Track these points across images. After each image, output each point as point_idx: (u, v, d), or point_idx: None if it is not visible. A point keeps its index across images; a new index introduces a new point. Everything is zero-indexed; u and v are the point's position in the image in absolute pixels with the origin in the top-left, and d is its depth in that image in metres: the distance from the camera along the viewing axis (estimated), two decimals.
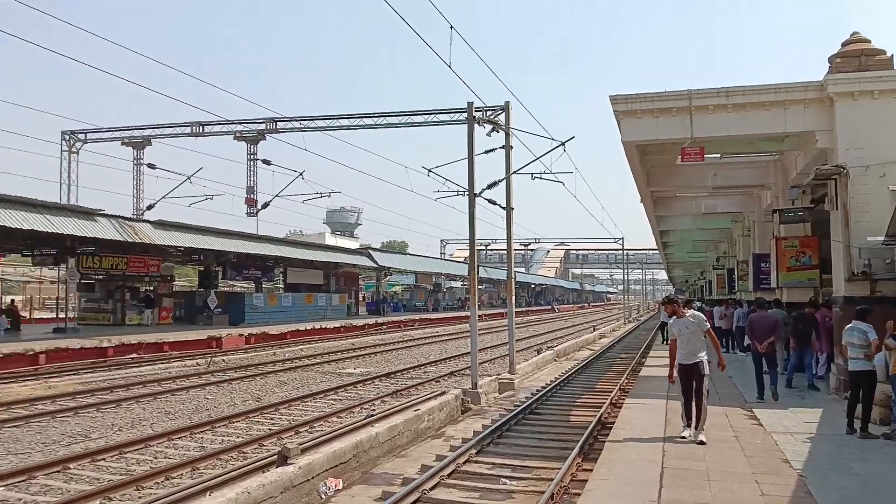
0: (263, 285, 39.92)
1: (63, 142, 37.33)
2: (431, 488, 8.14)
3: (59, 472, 8.56)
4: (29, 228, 20.47)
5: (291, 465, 8.20)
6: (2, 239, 25.01)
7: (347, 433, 10.21)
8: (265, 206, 37.50)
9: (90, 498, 7.44)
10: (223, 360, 21.79)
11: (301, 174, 35.11)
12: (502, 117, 19.97)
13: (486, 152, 18.77)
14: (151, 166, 37.26)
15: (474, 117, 16.72)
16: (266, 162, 35.77)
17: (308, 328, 31.99)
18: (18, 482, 8.04)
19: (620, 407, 11.85)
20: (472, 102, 16.61)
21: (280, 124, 35.13)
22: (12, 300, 36.72)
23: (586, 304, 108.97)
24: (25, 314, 35.34)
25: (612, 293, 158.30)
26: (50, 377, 17.15)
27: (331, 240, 73.88)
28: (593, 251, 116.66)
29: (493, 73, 17.50)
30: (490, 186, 18.29)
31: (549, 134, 19.59)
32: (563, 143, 18.89)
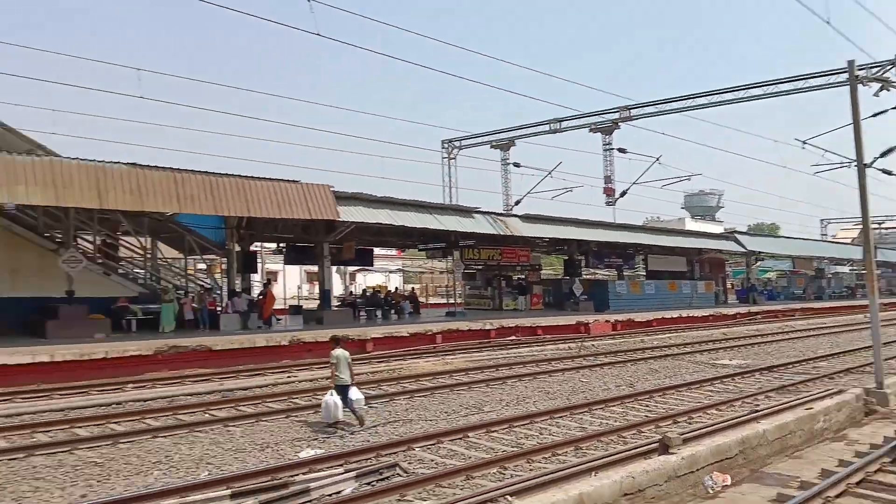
0: (624, 273, 40.02)
1: (443, 149, 42.24)
2: (837, 496, 7.27)
3: (460, 439, 9.66)
4: (422, 227, 23.56)
5: (674, 455, 8.04)
6: (402, 236, 29.31)
7: (730, 427, 9.64)
8: (623, 194, 37.59)
9: (488, 465, 8.24)
10: (592, 345, 22.41)
11: (658, 159, 34.43)
12: (893, 72, 16.96)
13: (875, 115, 16.07)
14: (516, 165, 40.19)
15: (857, 76, 14.47)
16: (622, 150, 35.85)
17: (674, 316, 31.14)
18: (430, 445, 9.28)
19: None
20: (854, 60, 14.45)
21: (634, 111, 34.87)
22: (412, 288, 42.84)
23: None
24: (422, 300, 40.90)
25: None
26: (445, 355, 19.56)
27: (691, 224, 70.84)
28: None
29: (880, 19, 14.92)
30: (884, 154, 15.64)
31: None
32: None
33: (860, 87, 14.63)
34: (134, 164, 16.36)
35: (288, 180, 19.39)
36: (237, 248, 24.10)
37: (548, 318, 26.40)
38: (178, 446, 9.21)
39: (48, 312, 17.26)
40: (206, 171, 17.61)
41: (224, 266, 25.28)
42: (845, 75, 14.89)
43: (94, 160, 15.75)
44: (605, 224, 33.01)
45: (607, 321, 27.59)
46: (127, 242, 24.86)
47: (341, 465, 8.23)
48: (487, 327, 23.42)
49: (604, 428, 10.25)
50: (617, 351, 20.80)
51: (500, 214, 28.59)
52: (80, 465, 8.27)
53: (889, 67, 18.11)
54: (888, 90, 16.06)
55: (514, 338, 23.41)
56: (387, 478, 7.89)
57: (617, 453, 8.57)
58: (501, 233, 26.58)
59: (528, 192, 39.11)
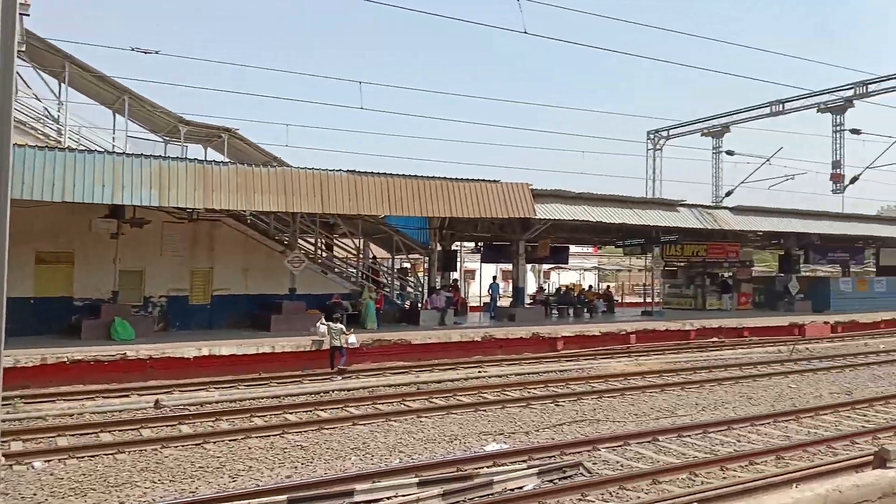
0: (851, 269, 35.99)
1: (648, 141, 40.89)
2: None
3: (649, 442, 9.41)
4: (620, 222, 23.03)
5: (892, 470, 7.23)
6: (599, 233, 28.84)
7: None
8: (854, 180, 33.92)
9: (677, 471, 7.97)
10: (806, 349, 20.52)
11: None
12: None
13: None
14: (730, 153, 37.78)
15: None
16: (855, 132, 32.37)
17: None
18: (616, 446, 9.14)
19: None
20: None
21: (872, 87, 31.27)
22: (607, 286, 41.99)
23: None
24: (618, 298, 39.90)
25: None
26: (639, 355, 18.99)
27: None
28: None
29: None
30: None
31: None
32: None
33: None
34: (352, 172, 17.73)
35: (488, 181, 19.90)
36: (439, 248, 25.25)
37: (756, 319, 24.56)
38: (375, 434, 9.96)
39: (272, 308, 19.32)
40: (413, 175, 18.65)
41: (426, 265, 26.56)
42: None
43: (317, 169, 17.31)
44: (831, 215, 29.92)
45: (826, 322, 25.02)
46: (342, 243, 27.01)
47: (525, 461, 8.40)
48: (687, 328, 22.33)
49: (811, 438, 9.48)
50: (835, 355, 18.83)
51: (708, 207, 27.06)
52: (288, 448, 9.24)
53: None
54: None
55: (716, 339, 22.08)
56: (569, 476, 7.94)
57: (823, 465, 7.94)
58: (708, 227, 25.18)
59: (742, 182, 36.56)
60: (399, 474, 7.80)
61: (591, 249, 51.10)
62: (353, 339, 16.06)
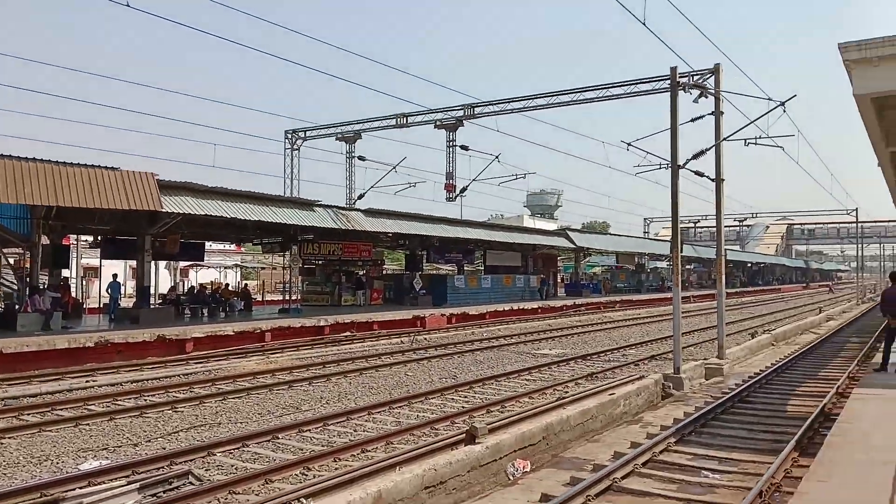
0: (465, 267, 40.92)
1: (286, 140, 40.97)
2: (623, 477, 7.67)
3: (269, 441, 9.23)
4: (257, 220, 22.53)
5: (479, 445, 8.16)
6: (236, 229, 28.02)
7: (537, 415, 10.00)
8: (463, 190, 38.33)
9: (292, 467, 7.92)
10: (425, 339, 22.61)
11: (497, 157, 35.49)
12: (711, 81, 18.80)
13: (693, 120, 17.73)
14: (361, 158, 39.78)
15: (678, 83, 15.73)
16: (464, 148, 36.53)
17: (506, 309, 32.25)
18: (233, 449, 8.78)
19: (848, 397, 10.39)
20: (676, 67, 15.77)
21: (477, 109, 35.60)
22: (245, 284, 41.22)
23: (834, 284, 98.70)
24: (258, 297, 39.44)
25: (843, 271, 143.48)
26: (273, 353, 18.87)
27: (529, 222, 73.93)
28: (821, 225, 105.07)
29: (699, 29, 16.17)
30: (696, 156, 17.10)
31: (766, 94, 17.81)
32: (782, 104, 17.26)
33: (682, 92, 15.96)
34: None
35: (105, 167, 17.85)
36: (45, 241, 21.90)
37: (385, 313, 26.32)
38: None
39: None
40: (7, 155, 15.79)
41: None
42: (668, 81, 16.13)
43: None
44: (447, 220, 33.41)
45: (443, 315, 27.98)
46: None
47: (127, 477, 7.55)
48: (322, 324, 22.90)
49: (419, 421, 10.24)
50: (447, 344, 21.06)
51: (342, 208, 28.03)
52: None
53: (709, 76, 19.81)
54: (706, 97, 17.57)
55: (348, 333, 23.10)
56: (176, 487, 7.34)
57: (425, 446, 8.54)
58: (343, 227, 26.09)
59: (372, 187, 38.85)
60: None
61: (233, 246, 49.66)
62: None
